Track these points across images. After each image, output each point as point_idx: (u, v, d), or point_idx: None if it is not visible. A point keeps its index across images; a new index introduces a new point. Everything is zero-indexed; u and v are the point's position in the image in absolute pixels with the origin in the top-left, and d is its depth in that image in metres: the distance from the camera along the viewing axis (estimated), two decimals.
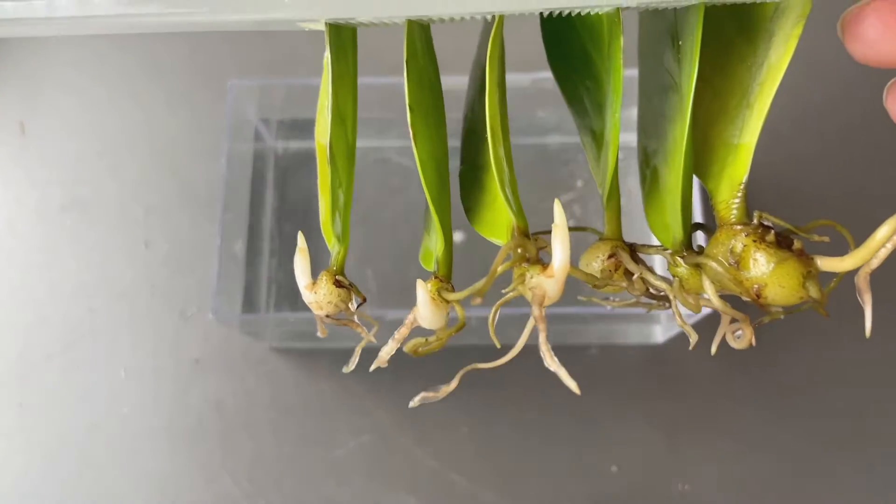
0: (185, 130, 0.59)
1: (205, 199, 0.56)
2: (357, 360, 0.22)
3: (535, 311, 0.20)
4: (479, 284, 0.20)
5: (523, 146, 0.58)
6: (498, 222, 0.22)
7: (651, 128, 0.23)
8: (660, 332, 0.53)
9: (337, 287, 0.22)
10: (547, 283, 0.19)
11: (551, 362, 0.19)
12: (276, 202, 0.57)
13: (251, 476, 0.51)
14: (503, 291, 0.21)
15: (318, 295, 0.22)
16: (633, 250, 0.22)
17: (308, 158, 0.58)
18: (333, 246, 0.22)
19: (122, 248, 0.56)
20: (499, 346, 0.21)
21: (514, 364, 0.52)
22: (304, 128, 0.59)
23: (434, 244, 0.22)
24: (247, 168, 0.55)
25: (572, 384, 0.18)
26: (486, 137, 0.20)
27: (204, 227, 0.56)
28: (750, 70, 0.21)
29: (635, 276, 0.22)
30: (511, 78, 0.51)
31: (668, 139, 0.21)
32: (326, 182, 0.22)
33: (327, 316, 0.22)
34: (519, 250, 0.20)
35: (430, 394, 0.20)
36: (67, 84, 0.60)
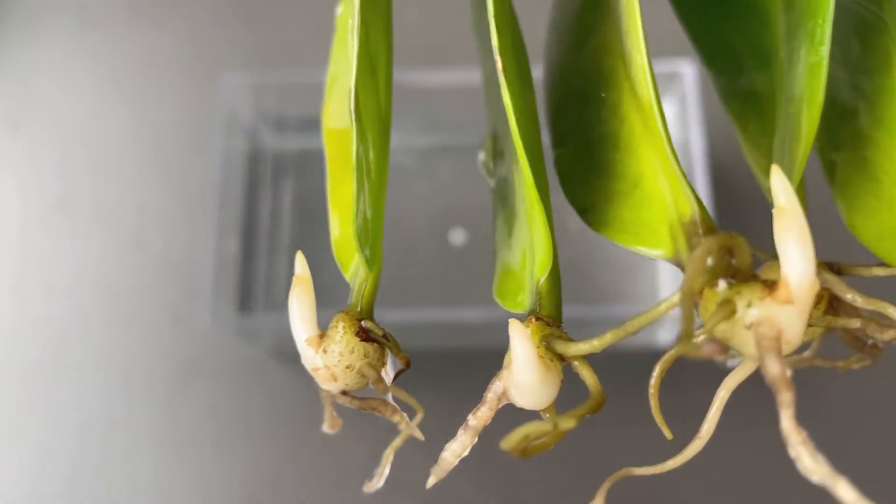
0: (179, 127, 0.53)
1: (199, 198, 0.50)
2: (387, 471, 0.12)
3: (773, 367, 0.09)
4: (634, 324, 0.10)
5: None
6: (645, 219, 0.12)
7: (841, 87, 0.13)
8: (665, 336, 0.45)
9: (363, 341, 0.12)
10: (783, 315, 0.10)
11: (815, 467, 0.09)
12: (272, 201, 0.51)
13: (246, 483, 0.45)
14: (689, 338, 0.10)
15: (329, 356, 0.11)
16: (834, 271, 0.12)
17: (305, 155, 0.51)
18: (355, 273, 0.12)
19: (113, 248, 0.50)
20: (670, 435, 0.12)
21: None
22: (301, 124, 0.52)
23: (529, 260, 0.12)
24: (242, 165, 0.51)
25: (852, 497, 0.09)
26: (608, 82, 0.11)
27: (198, 226, 0.50)
28: None
29: (853, 310, 0.11)
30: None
31: (883, 91, 0.12)
32: (342, 175, 0.12)
33: (343, 393, 0.12)
34: (708, 260, 0.10)
35: None
36: (59, 80, 0.54)
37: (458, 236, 0.46)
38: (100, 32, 0.54)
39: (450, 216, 0.48)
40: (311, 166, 0.51)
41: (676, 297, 0.09)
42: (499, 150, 0.13)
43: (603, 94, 0.11)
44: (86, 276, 0.50)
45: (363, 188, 0.11)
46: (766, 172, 0.12)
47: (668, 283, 0.45)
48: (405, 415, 0.12)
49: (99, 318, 0.48)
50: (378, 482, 0.12)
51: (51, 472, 0.46)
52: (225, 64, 0.54)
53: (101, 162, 0.52)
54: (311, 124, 0.52)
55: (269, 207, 0.50)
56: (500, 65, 0.10)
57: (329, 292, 0.48)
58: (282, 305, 0.48)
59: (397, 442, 0.12)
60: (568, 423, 0.10)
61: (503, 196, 0.13)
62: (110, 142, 0.53)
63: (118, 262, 0.50)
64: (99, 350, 0.48)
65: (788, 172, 0.11)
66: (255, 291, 0.49)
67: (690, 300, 0.09)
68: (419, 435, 0.12)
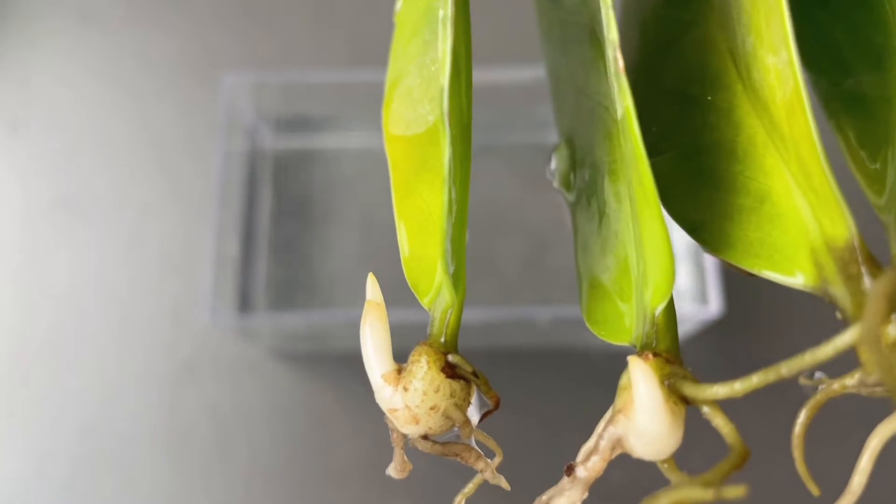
0: (179, 127, 0.52)
1: (200, 197, 0.50)
2: None
3: None
4: (791, 365, 0.08)
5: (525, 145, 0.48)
6: (778, 241, 0.10)
7: None
8: None
9: (449, 378, 0.09)
10: None
11: None
12: (272, 201, 0.50)
13: (247, 483, 0.45)
14: (839, 385, 0.09)
15: (410, 394, 0.09)
16: None
17: (306, 155, 0.50)
18: (436, 297, 0.10)
19: (113, 248, 0.49)
20: (817, 492, 0.10)
21: (516, 370, 0.42)
22: (302, 124, 0.51)
23: (635, 286, 0.10)
24: (242, 166, 0.50)
25: None
26: (715, 84, 0.09)
27: (198, 226, 0.49)
28: None
29: None
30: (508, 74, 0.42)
31: None
32: (412, 184, 0.10)
33: (424, 437, 0.10)
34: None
35: None
36: (60, 80, 0.53)
37: None
38: (100, 32, 0.54)
39: None
40: (311, 166, 0.51)
41: (849, 337, 0.08)
42: (578, 160, 0.12)
43: (709, 97, 0.10)
44: (86, 275, 0.49)
45: (452, 200, 0.09)
46: (878, 186, 0.11)
47: None
48: (489, 461, 0.10)
49: (99, 317, 0.47)
50: None
51: (51, 472, 0.45)
52: (225, 64, 0.53)
53: (101, 162, 0.51)
54: (311, 124, 0.52)
55: (269, 207, 0.49)
56: (621, 63, 0.08)
57: (327, 293, 0.47)
58: (282, 305, 0.48)
59: (469, 488, 0.10)
60: (735, 491, 0.08)
61: (589, 211, 0.11)
62: (110, 142, 0.52)
63: (118, 262, 0.49)
64: (99, 350, 0.47)
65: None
66: (255, 291, 0.47)
67: (876, 344, 0.07)
68: (505, 485, 0.10)
